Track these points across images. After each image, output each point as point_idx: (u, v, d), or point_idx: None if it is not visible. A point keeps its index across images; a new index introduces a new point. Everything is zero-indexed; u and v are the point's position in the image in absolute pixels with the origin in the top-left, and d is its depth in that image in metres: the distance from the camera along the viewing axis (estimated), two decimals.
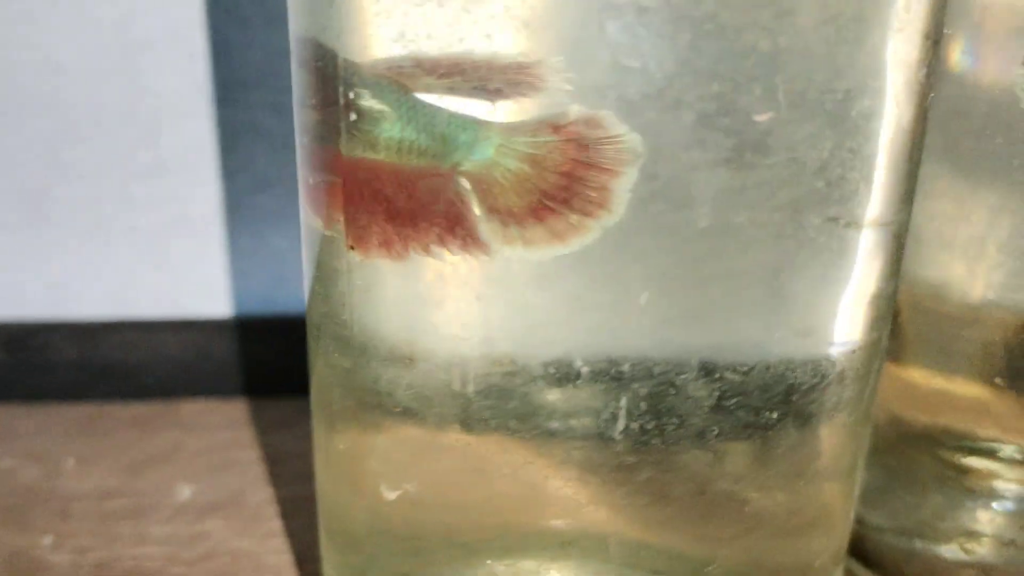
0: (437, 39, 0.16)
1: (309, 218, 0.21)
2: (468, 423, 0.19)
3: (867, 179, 0.18)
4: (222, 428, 0.38)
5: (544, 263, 0.17)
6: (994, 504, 0.29)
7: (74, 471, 0.35)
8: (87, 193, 0.37)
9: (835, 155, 0.17)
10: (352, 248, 0.19)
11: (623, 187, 0.16)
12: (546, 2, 0.16)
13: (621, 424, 0.18)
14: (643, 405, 0.18)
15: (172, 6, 0.34)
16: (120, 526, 0.32)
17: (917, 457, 0.29)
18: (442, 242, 0.17)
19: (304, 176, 0.20)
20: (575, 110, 0.16)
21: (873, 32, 0.17)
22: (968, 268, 0.27)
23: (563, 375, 0.18)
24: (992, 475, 0.29)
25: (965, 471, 0.29)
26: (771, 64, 0.16)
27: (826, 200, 0.18)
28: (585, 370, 0.18)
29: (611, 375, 0.18)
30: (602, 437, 0.19)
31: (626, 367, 0.18)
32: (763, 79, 0.16)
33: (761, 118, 0.16)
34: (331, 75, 0.18)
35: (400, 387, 0.20)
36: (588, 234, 0.17)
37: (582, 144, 0.16)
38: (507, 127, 0.16)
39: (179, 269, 0.38)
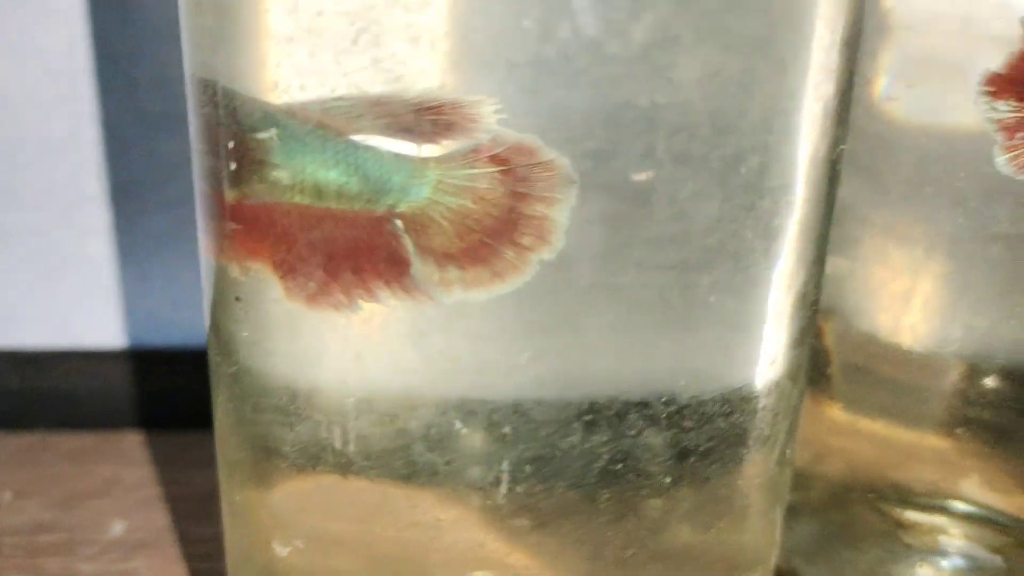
0: (353, 80, 0.16)
1: (210, 262, 0.20)
2: (353, 479, 0.18)
3: (764, 237, 0.17)
4: (161, 462, 0.37)
5: (425, 317, 0.17)
6: (938, 560, 0.28)
7: (9, 505, 0.35)
8: (31, 221, 0.36)
9: (726, 213, 0.16)
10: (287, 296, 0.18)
11: (562, 215, 0.16)
12: (426, 54, 0.15)
13: (505, 483, 0.18)
14: (527, 467, 0.17)
15: (112, 34, 0.34)
16: (49, 563, 0.32)
17: (859, 511, 0.28)
18: (376, 290, 0.17)
19: (207, 222, 0.20)
20: (505, 135, 0.15)
21: (764, 86, 0.16)
22: (901, 317, 0.26)
23: (444, 433, 0.17)
24: (936, 530, 0.28)
25: (908, 526, 0.28)
26: (651, 120, 0.15)
27: (718, 257, 0.17)
28: (463, 431, 0.17)
29: (494, 433, 0.17)
30: (489, 491, 0.18)
31: (507, 428, 0.17)
32: (643, 136, 0.15)
33: (640, 177, 0.16)
34: (241, 119, 0.17)
35: (287, 441, 0.19)
36: (528, 270, 0.16)
37: (520, 174, 0.15)
38: (442, 161, 0.16)
39: (124, 299, 0.37)
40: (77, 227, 0.36)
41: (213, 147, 0.19)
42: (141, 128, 0.35)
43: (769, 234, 0.17)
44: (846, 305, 0.27)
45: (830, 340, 0.27)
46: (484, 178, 0.16)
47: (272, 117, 0.16)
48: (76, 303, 0.37)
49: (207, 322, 0.21)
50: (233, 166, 0.18)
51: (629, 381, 0.17)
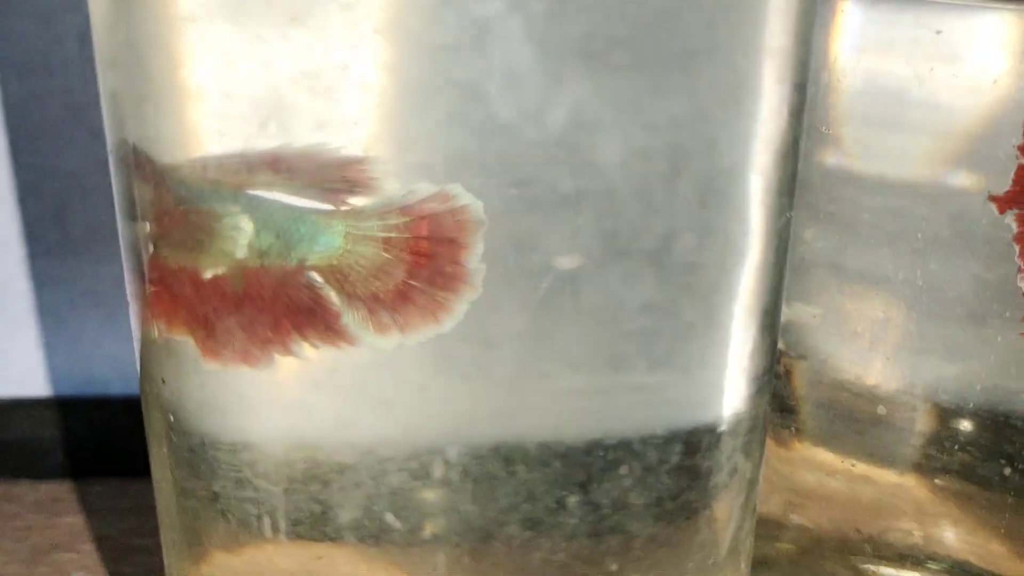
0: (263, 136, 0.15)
1: (138, 322, 0.20)
2: (288, 541, 0.18)
3: (705, 314, 0.17)
4: (129, 512, 0.36)
5: (347, 368, 0.16)
6: None
7: None
8: None
9: (660, 293, 0.16)
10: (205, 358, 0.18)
11: (474, 259, 0.15)
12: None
13: (451, 537, 0.17)
14: (472, 520, 0.17)
15: (72, 90, 0.34)
16: None
17: (832, 567, 0.28)
18: (303, 339, 0.16)
19: (132, 283, 0.19)
20: (424, 189, 0.15)
21: (696, 163, 0.15)
22: (871, 362, 0.25)
23: (376, 487, 0.16)
24: None
25: None
26: (574, 206, 0.15)
27: (653, 338, 0.16)
28: (406, 485, 0.16)
29: (434, 485, 0.16)
30: (434, 547, 0.17)
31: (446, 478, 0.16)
32: (567, 221, 0.15)
33: (566, 264, 0.15)
34: (148, 179, 0.17)
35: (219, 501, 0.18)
36: (458, 310, 0.15)
37: (432, 220, 0.15)
38: (352, 213, 0.15)
39: (87, 346, 0.37)
40: (37, 278, 0.36)
41: (127, 206, 0.18)
42: (62, 184, 0.35)
43: (706, 311, 0.17)
44: (817, 350, 0.26)
45: (801, 385, 0.27)
46: (395, 227, 0.15)
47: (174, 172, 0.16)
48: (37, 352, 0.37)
49: (139, 380, 0.20)
50: (146, 227, 0.17)
51: (580, 426, 0.17)
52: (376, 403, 0.16)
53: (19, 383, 0.37)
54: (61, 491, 0.37)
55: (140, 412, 0.37)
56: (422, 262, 0.15)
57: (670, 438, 0.17)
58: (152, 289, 0.18)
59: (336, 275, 0.15)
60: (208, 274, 0.16)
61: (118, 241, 0.36)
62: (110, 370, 0.37)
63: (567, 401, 0.16)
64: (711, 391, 0.18)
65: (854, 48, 0.21)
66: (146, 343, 0.20)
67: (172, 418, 0.18)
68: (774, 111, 0.16)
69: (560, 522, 0.17)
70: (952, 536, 0.26)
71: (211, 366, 0.17)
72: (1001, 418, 0.25)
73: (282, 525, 0.17)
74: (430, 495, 0.16)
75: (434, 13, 0.13)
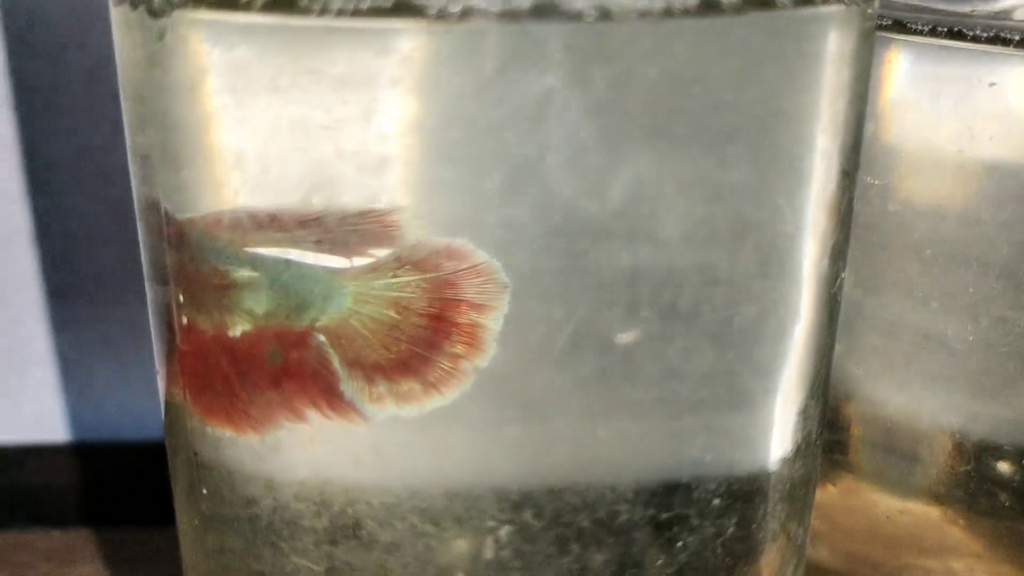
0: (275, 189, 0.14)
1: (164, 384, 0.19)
2: None
3: (763, 381, 0.16)
4: (142, 559, 0.36)
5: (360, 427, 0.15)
6: None
7: None
8: (2, 316, 0.35)
9: (719, 365, 0.15)
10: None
11: (495, 322, 0.14)
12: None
13: None
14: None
15: (80, 130, 0.33)
16: None
17: None
18: (303, 408, 0.15)
19: (158, 344, 0.19)
20: (432, 241, 0.14)
21: (757, 233, 0.15)
22: (909, 399, 0.25)
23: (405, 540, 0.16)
24: None
25: None
26: (632, 280, 0.14)
27: (713, 407, 0.16)
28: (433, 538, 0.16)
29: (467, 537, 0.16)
30: None
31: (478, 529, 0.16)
32: (624, 295, 0.14)
33: (625, 339, 0.14)
34: (160, 234, 0.16)
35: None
36: (465, 380, 0.15)
37: (447, 279, 0.14)
38: (362, 271, 0.14)
39: (98, 392, 0.36)
40: (47, 322, 0.35)
41: (154, 268, 0.18)
42: (114, 219, 0.34)
43: (764, 380, 0.16)
44: (859, 390, 0.26)
45: (854, 430, 0.27)
46: (408, 286, 0.14)
47: (201, 237, 0.15)
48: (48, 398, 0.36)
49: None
50: (172, 288, 0.17)
51: (632, 474, 0.16)
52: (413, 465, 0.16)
53: (30, 427, 0.37)
54: (75, 539, 0.37)
55: (151, 458, 0.36)
56: (433, 325, 0.14)
57: (725, 503, 0.17)
58: (180, 350, 0.18)
59: (341, 339, 0.15)
60: (224, 333, 0.16)
61: (127, 284, 0.35)
62: (121, 415, 0.37)
63: (624, 472, 0.16)
64: (763, 457, 0.17)
65: (902, 98, 0.20)
66: (170, 405, 0.19)
67: (205, 490, 0.18)
68: (832, 175, 0.16)
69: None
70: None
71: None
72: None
73: None
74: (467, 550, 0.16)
75: (490, 87, 0.13)
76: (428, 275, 0.14)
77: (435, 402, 0.15)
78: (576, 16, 0.13)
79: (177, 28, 0.14)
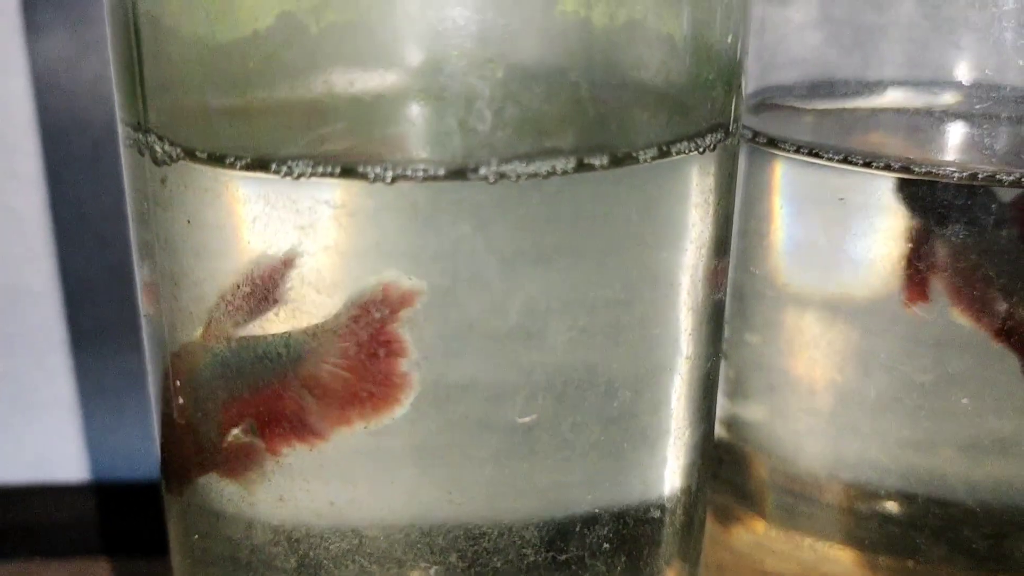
0: None
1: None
2: None
3: (639, 447, 0.20)
4: None
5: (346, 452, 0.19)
6: None
7: None
8: (7, 365, 0.39)
9: (603, 439, 0.19)
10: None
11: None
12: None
13: None
14: None
15: (87, 200, 0.37)
16: None
17: None
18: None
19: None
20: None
21: (628, 336, 0.19)
22: (813, 451, 0.28)
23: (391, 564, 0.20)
24: None
25: None
26: (528, 373, 0.18)
27: (598, 475, 0.20)
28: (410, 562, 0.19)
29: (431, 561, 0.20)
30: None
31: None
32: (524, 388, 0.18)
33: (524, 420, 0.18)
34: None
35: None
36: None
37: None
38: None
39: (98, 434, 0.40)
40: (51, 370, 0.39)
41: (156, 362, 0.21)
42: (109, 279, 0.38)
43: (645, 444, 0.20)
44: (767, 443, 0.29)
45: (758, 475, 0.30)
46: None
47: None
48: (46, 441, 0.40)
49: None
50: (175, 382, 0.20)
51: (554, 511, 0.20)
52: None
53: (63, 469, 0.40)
54: (76, 568, 0.40)
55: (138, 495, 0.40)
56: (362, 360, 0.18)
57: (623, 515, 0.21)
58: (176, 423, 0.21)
59: (309, 380, 0.19)
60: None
61: (123, 339, 0.39)
62: (116, 456, 0.40)
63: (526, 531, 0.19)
64: (644, 511, 0.21)
65: (782, 200, 0.24)
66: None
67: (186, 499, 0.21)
68: (696, 282, 0.20)
69: None
70: None
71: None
72: (921, 496, 0.28)
73: None
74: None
75: (418, 233, 0.17)
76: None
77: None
78: (481, 179, 0.17)
79: (177, 175, 0.18)
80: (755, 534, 0.31)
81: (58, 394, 0.39)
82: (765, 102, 0.27)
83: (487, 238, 0.17)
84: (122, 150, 0.21)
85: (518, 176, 0.17)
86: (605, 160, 0.18)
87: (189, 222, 0.18)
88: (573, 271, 0.18)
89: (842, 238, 0.23)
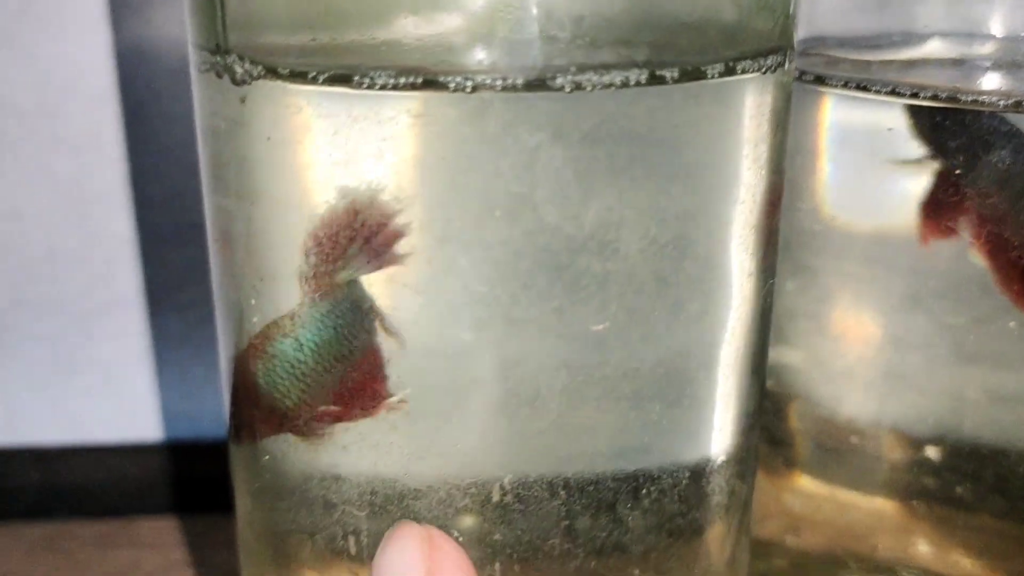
0: None
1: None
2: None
3: (707, 366, 0.21)
4: (178, 545, 0.40)
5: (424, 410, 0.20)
6: None
7: None
8: (46, 328, 0.39)
9: (670, 351, 0.20)
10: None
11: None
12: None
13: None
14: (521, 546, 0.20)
15: (125, 161, 0.37)
16: None
17: None
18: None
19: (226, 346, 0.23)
20: None
21: (696, 248, 0.19)
22: (850, 397, 0.29)
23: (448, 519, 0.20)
24: None
25: None
26: (603, 283, 0.19)
27: (667, 386, 0.20)
28: (466, 516, 0.20)
29: (489, 515, 0.20)
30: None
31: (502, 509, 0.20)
32: (598, 295, 0.19)
33: (598, 328, 0.19)
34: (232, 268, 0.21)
35: (307, 529, 0.22)
36: None
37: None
38: None
39: (135, 396, 0.40)
40: (87, 332, 0.39)
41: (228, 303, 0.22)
42: (154, 241, 0.38)
43: (709, 363, 0.21)
44: (803, 390, 0.30)
45: (792, 421, 0.30)
46: None
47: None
48: (88, 401, 0.40)
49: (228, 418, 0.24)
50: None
51: (604, 462, 0.20)
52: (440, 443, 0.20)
53: (156, 426, 0.41)
54: (114, 528, 0.41)
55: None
56: None
57: (679, 466, 0.21)
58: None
59: None
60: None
61: (162, 301, 0.39)
62: (160, 416, 0.41)
63: (599, 438, 0.20)
64: (711, 427, 0.22)
65: (829, 136, 0.25)
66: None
67: (267, 457, 0.22)
68: (757, 202, 0.20)
69: (593, 536, 0.21)
70: (930, 554, 0.30)
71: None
72: (965, 445, 0.28)
73: (358, 553, 0.21)
74: (482, 528, 0.20)
75: (498, 142, 0.18)
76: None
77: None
78: (557, 88, 0.17)
79: (256, 93, 0.19)
80: (788, 479, 0.31)
81: (160, 354, 0.40)
82: (807, 51, 0.28)
83: (564, 147, 0.18)
84: (195, 77, 0.21)
85: (593, 86, 0.18)
86: (676, 73, 0.18)
87: (269, 139, 0.19)
88: (645, 183, 0.18)
89: (888, 171, 0.24)
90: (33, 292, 0.39)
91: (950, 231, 0.25)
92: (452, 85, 0.17)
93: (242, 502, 0.24)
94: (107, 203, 0.38)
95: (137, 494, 0.41)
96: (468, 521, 0.20)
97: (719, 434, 0.22)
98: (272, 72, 0.19)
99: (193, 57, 0.21)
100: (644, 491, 0.21)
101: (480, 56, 0.17)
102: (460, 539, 0.20)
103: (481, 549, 0.20)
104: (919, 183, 0.24)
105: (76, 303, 0.39)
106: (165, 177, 0.38)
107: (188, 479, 0.41)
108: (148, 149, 0.38)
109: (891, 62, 0.27)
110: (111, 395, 0.40)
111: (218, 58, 0.20)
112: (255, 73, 0.19)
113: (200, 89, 0.21)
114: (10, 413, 0.40)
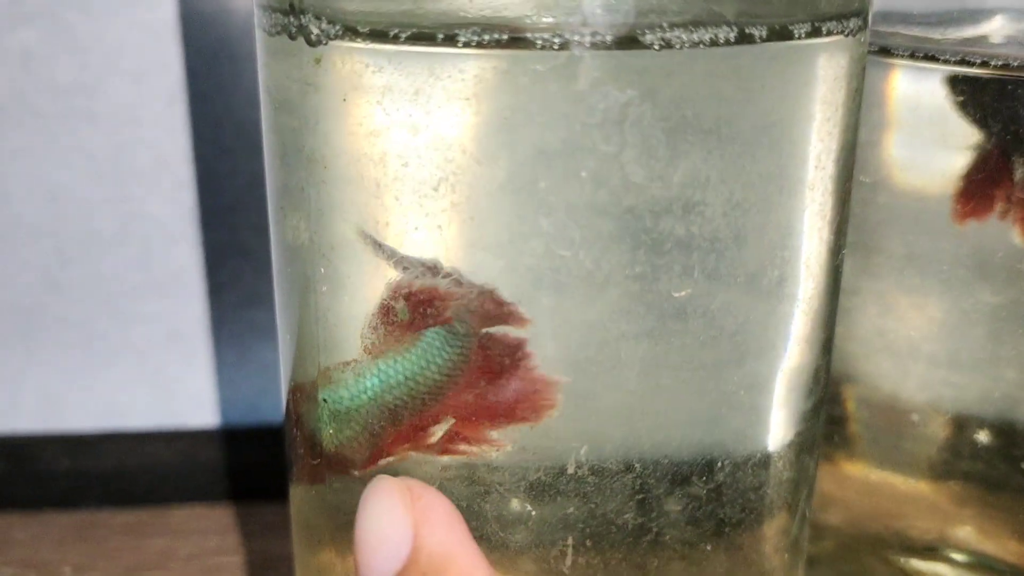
0: None
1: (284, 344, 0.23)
2: None
3: (783, 335, 0.20)
4: (211, 533, 0.39)
5: None
6: None
7: None
8: (80, 311, 0.39)
9: (751, 318, 0.19)
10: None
11: None
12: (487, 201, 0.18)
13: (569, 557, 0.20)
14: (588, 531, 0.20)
15: (160, 140, 0.37)
16: None
17: (868, 561, 0.31)
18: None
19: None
20: None
21: (777, 212, 0.19)
22: (908, 371, 0.29)
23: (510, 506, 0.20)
24: None
25: (912, 573, 0.31)
26: (687, 246, 0.18)
27: (746, 354, 0.20)
28: (528, 506, 0.20)
29: (552, 500, 0.20)
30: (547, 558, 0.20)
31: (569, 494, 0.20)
32: (680, 259, 0.18)
33: (680, 294, 0.18)
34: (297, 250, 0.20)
35: None
36: None
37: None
38: None
39: (168, 382, 0.40)
40: (121, 317, 0.39)
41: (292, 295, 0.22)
42: (189, 222, 0.38)
43: (786, 332, 0.20)
44: (858, 370, 0.29)
45: (849, 402, 0.30)
46: None
47: None
48: (121, 388, 0.40)
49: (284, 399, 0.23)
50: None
51: (674, 451, 0.20)
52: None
53: (190, 412, 0.40)
54: (145, 517, 0.40)
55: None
56: None
57: (754, 440, 0.21)
58: None
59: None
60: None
61: (198, 284, 0.39)
62: (193, 403, 0.40)
63: (677, 409, 0.20)
64: (785, 401, 0.21)
65: (897, 107, 0.24)
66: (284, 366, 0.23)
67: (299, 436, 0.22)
68: (836, 165, 0.20)
69: (667, 510, 0.20)
70: (974, 534, 0.29)
71: None
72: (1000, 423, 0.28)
73: None
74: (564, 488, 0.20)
75: (584, 98, 0.17)
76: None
77: None
78: (647, 46, 0.17)
79: (333, 54, 0.18)
80: (839, 461, 0.31)
81: (133, 340, 0.39)
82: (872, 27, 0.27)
83: (653, 105, 0.17)
84: (263, 40, 0.21)
85: (683, 44, 0.17)
86: (764, 32, 0.18)
87: (345, 100, 0.19)
88: (731, 144, 0.18)
89: (952, 145, 0.24)
90: (67, 275, 0.38)
91: (1008, 204, 0.24)
92: (539, 42, 0.17)
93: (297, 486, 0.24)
94: (145, 184, 0.37)
95: (170, 481, 0.40)
96: (542, 494, 0.20)
97: (791, 409, 0.22)
98: (351, 31, 0.18)
99: (261, 20, 0.20)
100: (719, 465, 0.20)
101: (568, 11, 0.17)
102: (533, 514, 0.20)
103: (554, 523, 0.20)
104: (989, 156, 0.24)
105: (110, 286, 0.39)
106: (200, 158, 0.37)
107: (224, 466, 0.40)
108: (184, 130, 0.37)
109: (955, 39, 0.27)
110: (144, 381, 0.40)
111: (291, 19, 0.19)
112: (332, 33, 0.18)
113: (268, 53, 0.20)
114: (42, 399, 0.40)
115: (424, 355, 0.19)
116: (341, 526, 0.22)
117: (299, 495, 0.24)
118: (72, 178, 0.37)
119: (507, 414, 0.19)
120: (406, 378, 0.19)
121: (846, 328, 0.28)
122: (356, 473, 0.20)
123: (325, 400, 0.21)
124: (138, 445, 0.40)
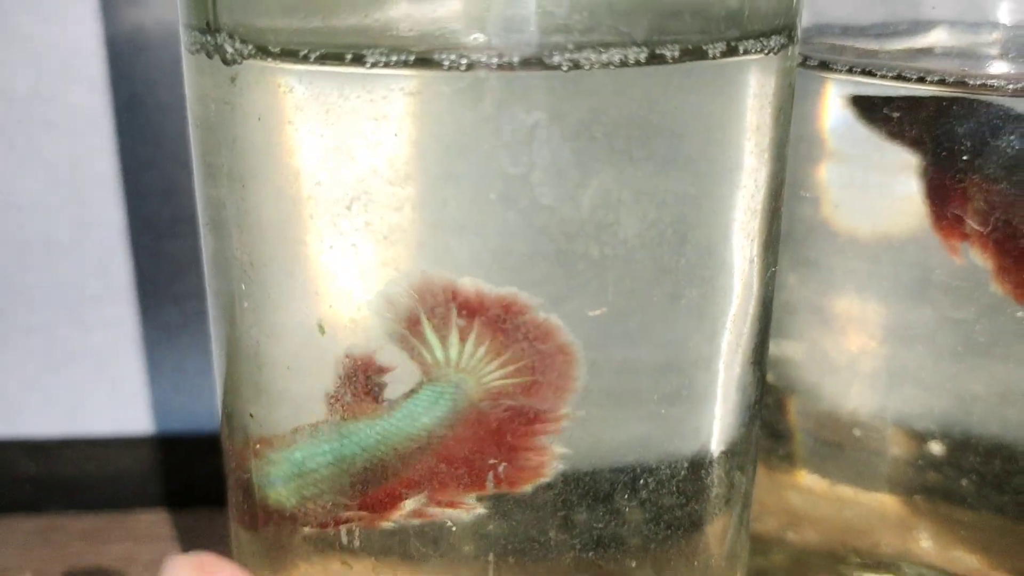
0: None
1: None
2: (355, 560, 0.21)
3: (709, 353, 0.20)
4: (172, 539, 0.39)
5: None
6: None
7: None
8: (40, 318, 0.39)
9: (671, 338, 0.19)
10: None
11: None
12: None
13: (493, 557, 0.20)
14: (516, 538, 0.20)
15: (121, 150, 0.37)
16: None
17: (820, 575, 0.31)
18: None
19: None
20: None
21: (696, 233, 0.19)
22: (851, 393, 0.29)
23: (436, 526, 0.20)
24: None
25: None
26: (599, 267, 0.18)
27: (666, 372, 0.20)
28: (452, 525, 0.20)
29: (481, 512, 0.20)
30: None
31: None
32: (595, 280, 0.18)
33: (595, 313, 0.18)
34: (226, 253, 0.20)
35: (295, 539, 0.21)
36: None
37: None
38: None
39: (130, 388, 0.40)
40: (81, 323, 0.39)
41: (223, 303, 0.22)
42: (149, 232, 0.38)
43: (710, 349, 0.20)
44: (804, 384, 0.29)
45: (792, 416, 0.30)
46: None
47: None
48: (82, 394, 0.40)
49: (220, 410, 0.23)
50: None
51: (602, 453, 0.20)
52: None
53: (150, 418, 0.40)
54: (105, 522, 0.40)
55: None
56: None
57: (678, 458, 0.21)
58: None
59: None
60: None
61: (156, 293, 0.39)
62: (155, 409, 0.40)
63: (597, 432, 0.20)
64: (711, 417, 0.21)
65: (833, 122, 0.24)
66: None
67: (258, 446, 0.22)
68: (759, 186, 0.20)
69: (589, 528, 0.20)
70: (930, 547, 0.29)
71: None
72: (963, 439, 0.28)
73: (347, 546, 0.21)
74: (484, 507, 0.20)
75: (490, 120, 0.17)
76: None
77: None
78: (554, 67, 0.17)
79: (247, 73, 0.18)
80: (787, 474, 0.31)
81: (94, 346, 0.39)
82: (810, 39, 0.27)
83: (561, 127, 0.17)
84: (186, 58, 0.21)
85: (591, 64, 0.17)
86: (676, 52, 0.18)
87: (260, 119, 0.19)
88: (644, 164, 0.18)
89: (894, 155, 0.24)
90: (26, 282, 0.38)
91: (956, 220, 0.24)
92: (446, 63, 0.17)
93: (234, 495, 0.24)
94: (102, 192, 0.37)
95: (131, 487, 0.40)
96: (461, 515, 0.20)
97: (719, 425, 0.21)
98: (263, 51, 0.18)
99: (183, 38, 0.20)
100: (641, 483, 0.20)
101: (475, 33, 0.17)
102: (453, 530, 0.20)
103: (476, 539, 0.20)
104: (924, 174, 0.24)
105: (70, 293, 0.39)
106: (160, 167, 0.37)
107: (186, 472, 0.40)
108: (143, 138, 0.37)
109: (896, 51, 0.26)
110: (104, 387, 0.40)
111: (208, 37, 0.19)
112: (246, 52, 0.18)
113: (190, 71, 0.20)
114: (2, 404, 0.40)
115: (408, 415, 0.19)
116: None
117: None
118: (30, 186, 0.37)
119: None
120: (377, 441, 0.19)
121: (791, 342, 0.28)
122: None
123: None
124: (99, 451, 0.40)
